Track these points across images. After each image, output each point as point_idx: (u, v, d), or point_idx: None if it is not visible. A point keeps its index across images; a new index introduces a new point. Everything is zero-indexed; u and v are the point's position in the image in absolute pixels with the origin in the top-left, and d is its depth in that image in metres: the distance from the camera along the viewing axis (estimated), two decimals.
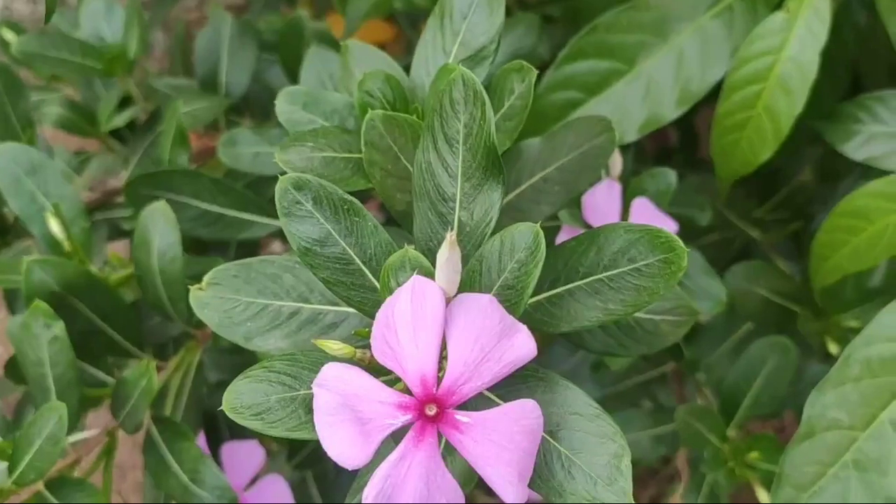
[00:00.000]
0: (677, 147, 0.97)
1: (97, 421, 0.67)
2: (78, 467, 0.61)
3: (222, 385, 0.72)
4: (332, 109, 0.50)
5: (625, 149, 0.65)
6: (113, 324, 0.61)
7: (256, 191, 0.70)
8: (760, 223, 0.85)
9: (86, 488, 0.56)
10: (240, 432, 0.74)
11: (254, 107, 0.88)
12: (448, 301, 0.34)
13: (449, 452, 0.41)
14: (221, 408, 0.67)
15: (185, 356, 0.66)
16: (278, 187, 0.38)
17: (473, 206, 0.40)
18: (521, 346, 0.34)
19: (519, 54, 0.69)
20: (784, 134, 0.59)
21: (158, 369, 0.65)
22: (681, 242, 0.38)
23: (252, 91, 0.84)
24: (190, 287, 0.44)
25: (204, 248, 0.74)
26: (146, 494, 0.67)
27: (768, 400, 0.71)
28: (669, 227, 0.62)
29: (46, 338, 0.56)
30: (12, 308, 0.73)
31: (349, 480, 0.43)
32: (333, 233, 0.38)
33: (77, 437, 0.62)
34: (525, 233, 0.36)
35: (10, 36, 0.75)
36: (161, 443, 0.61)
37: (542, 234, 0.36)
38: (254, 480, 0.70)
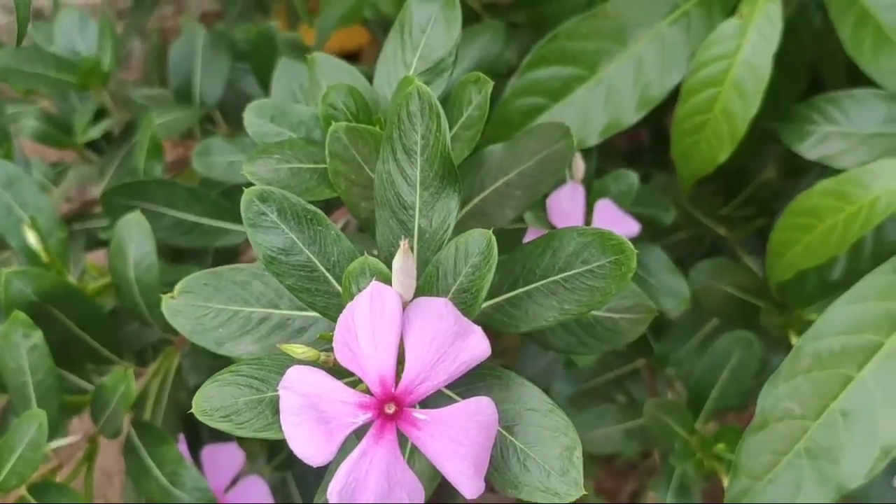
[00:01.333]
0: (648, 147, 0.99)
1: (79, 427, 0.68)
2: (60, 473, 0.62)
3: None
4: (299, 121, 0.52)
5: (587, 152, 0.67)
6: (91, 332, 0.63)
7: (231, 199, 0.72)
8: (727, 220, 0.87)
9: (67, 493, 0.57)
10: (220, 435, 0.75)
11: (228, 115, 0.89)
12: (405, 305, 0.36)
13: (413, 453, 0.43)
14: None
15: (164, 361, 0.68)
16: (244, 199, 0.40)
17: (432, 213, 0.42)
18: (476, 346, 0.35)
19: (486, 60, 0.71)
20: (740, 135, 0.61)
21: (138, 375, 0.67)
22: (630, 245, 0.40)
23: (226, 99, 0.86)
24: (162, 296, 0.46)
25: (182, 255, 0.76)
26: (127, 497, 0.69)
27: (734, 392, 0.73)
28: (632, 227, 0.64)
29: (26, 346, 0.57)
30: None
31: (329, 480, 0.45)
32: (298, 242, 0.40)
33: (59, 443, 0.63)
34: (479, 239, 0.38)
35: None
36: (141, 447, 0.63)
37: (494, 239, 0.37)
38: (234, 482, 0.72)
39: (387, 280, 0.37)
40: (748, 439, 0.50)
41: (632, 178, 0.64)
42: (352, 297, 0.37)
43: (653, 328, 0.82)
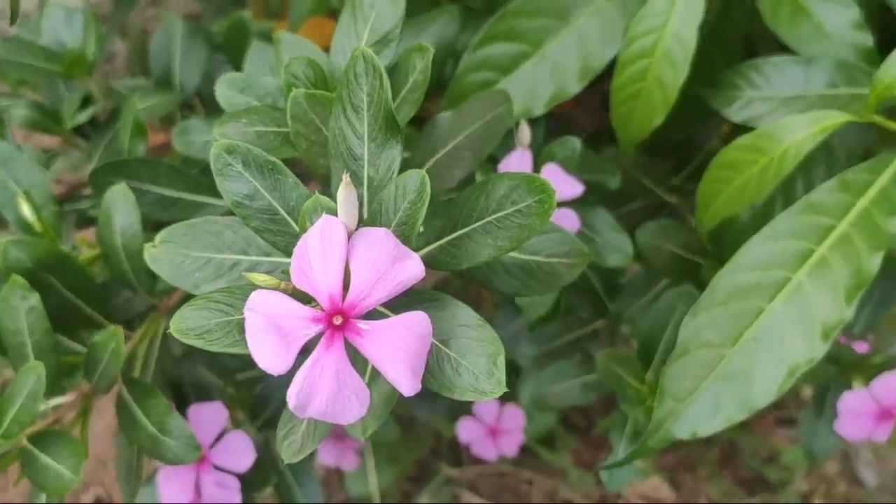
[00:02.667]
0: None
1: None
2: (58, 426, 0.68)
3: (186, 356, 0.80)
4: (266, 92, 0.58)
5: (536, 121, 0.72)
6: (84, 298, 0.68)
7: (209, 176, 0.78)
8: (679, 189, 0.93)
9: (65, 438, 0.63)
10: (205, 396, 0.81)
11: (206, 102, 0.95)
12: (351, 234, 0.42)
13: (373, 379, 0.49)
14: (189, 373, 0.74)
15: (151, 325, 0.73)
16: (212, 152, 0.46)
17: (379, 162, 0.48)
18: (412, 268, 0.41)
19: (444, 42, 0.77)
20: (672, 101, 0.67)
21: (127, 339, 0.72)
22: (551, 185, 0.46)
23: (204, 87, 0.91)
24: (145, 244, 0.51)
25: (163, 227, 0.81)
26: (120, 452, 0.74)
27: None
28: (576, 187, 0.70)
29: (24, 308, 0.63)
30: None
31: None
32: (260, 189, 0.46)
33: (56, 401, 0.68)
34: (414, 178, 0.43)
35: None
36: (131, 401, 0.68)
37: (427, 177, 0.43)
38: (219, 438, 0.77)
39: (334, 212, 0.43)
40: (671, 366, 0.56)
41: (574, 143, 0.70)
42: (306, 231, 0.43)
43: (608, 289, 0.89)
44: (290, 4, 0.91)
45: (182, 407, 0.81)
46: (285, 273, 0.47)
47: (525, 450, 1.38)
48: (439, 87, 0.82)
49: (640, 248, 0.79)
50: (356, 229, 0.42)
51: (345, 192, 0.42)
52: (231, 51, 0.86)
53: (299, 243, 0.42)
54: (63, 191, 0.82)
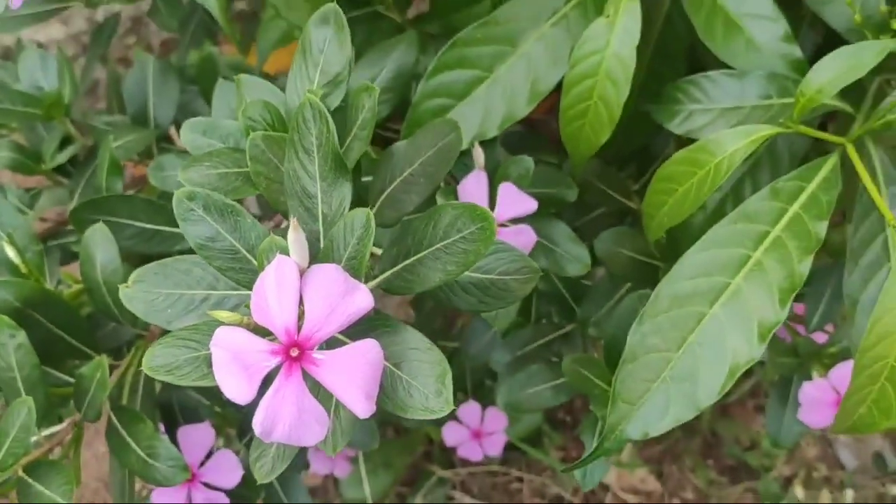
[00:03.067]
0: None
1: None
2: (51, 455, 0.72)
3: None
4: (228, 133, 0.62)
5: (491, 142, 0.76)
6: (70, 331, 0.72)
7: None
8: (640, 194, 0.97)
9: (57, 467, 0.66)
10: (193, 418, 0.85)
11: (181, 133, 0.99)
12: (303, 271, 0.45)
13: (327, 398, 0.52)
14: (177, 396, 0.78)
15: (137, 353, 0.77)
16: (175, 199, 0.49)
17: (331, 199, 0.51)
18: (361, 300, 0.45)
19: (405, 67, 0.80)
20: (616, 118, 0.70)
21: (114, 367, 0.76)
22: (490, 212, 0.50)
23: (179, 121, 0.95)
24: (120, 286, 0.55)
25: (146, 261, 0.85)
26: (112, 474, 0.77)
27: None
28: (531, 204, 0.73)
29: (12, 346, 0.66)
30: None
31: (296, 463, 0.54)
32: (221, 231, 0.50)
33: (49, 430, 0.72)
34: (360, 216, 0.47)
35: None
36: (120, 427, 0.72)
37: (372, 216, 0.47)
38: (208, 457, 0.81)
39: (287, 251, 0.47)
40: (622, 371, 0.60)
41: (528, 162, 0.74)
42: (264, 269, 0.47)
43: (575, 295, 0.93)
44: (258, 37, 0.95)
45: (172, 428, 0.85)
46: (247, 307, 0.51)
47: (514, 449, 1.42)
48: (404, 110, 0.86)
49: (599, 255, 0.83)
50: (308, 266, 0.46)
51: (294, 235, 0.46)
52: (203, 85, 0.90)
53: (257, 282, 0.45)
54: (47, 227, 0.86)
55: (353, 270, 0.47)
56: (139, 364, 0.76)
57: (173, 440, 0.82)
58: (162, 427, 0.85)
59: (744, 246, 0.61)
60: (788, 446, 0.93)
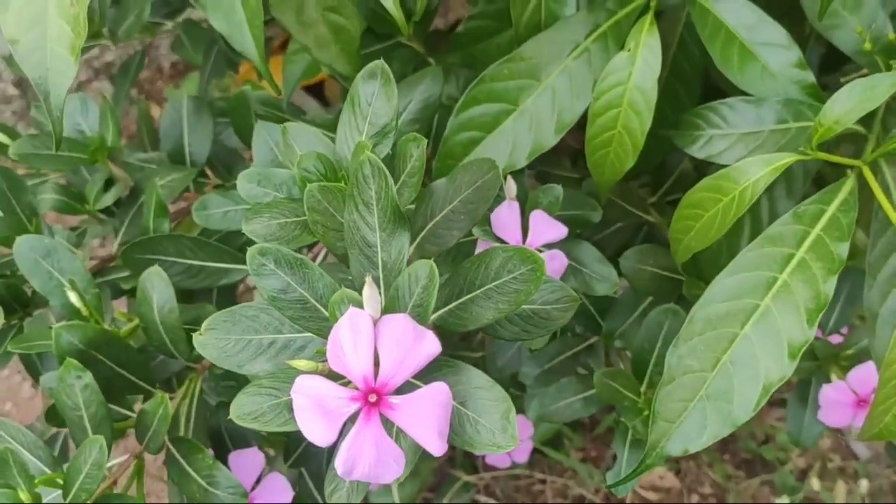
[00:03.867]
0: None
1: (121, 449, 0.81)
2: (115, 486, 0.75)
3: (221, 406, 0.88)
4: (281, 182, 0.66)
5: (519, 173, 0.80)
6: (129, 369, 0.76)
7: (228, 242, 0.85)
8: (657, 207, 1.01)
9: (126, 500, 0.71)
10: (241, 444, 0.89)
11: (215, 166, 1.02)
12: (376, 322, 0.49)
13: (400, 434, 0.56)
14: (225, 422, 0.82)
15: (189, 385, 0.81)
16: (248, 255, 0.53)
17: (390, 248, 0.55)
18: (429, 346, 0.49)
19: (430, 101, 0.84)
20: (640, 146, 0.74)
21: (170, 399, 0.80)
22: (539, 255, 0.53)
23: (212, 153, 0.99)
24: (192, 334, 0.59)
25: (191, 295, 0.89)
26: (171, 497, 0.81)
27: None
28: (561, 230, 0.77)
29: (79, 386, 0.70)
30: (38, 368, 0.87)
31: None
32: (292, 283, 0.53)
33: (112, 462, 0.76)
34: (424, 268, 0.51)
35: (2, 138, 0.89)
36: (179, 458, 0.76)
37: (435, 266, 0.51)
38: (258, 481, 0.85)
39: (358, 303, 0.51)
40: (661, 392, 0.64)
41: (557, 190, 0.78)
42: (337, 320, 0.50)
43: (599, 308, 0.97)
44: (283, 69, 0.98)
45: (221, 452, 0.88)
46: (320, 352, 0.55)
47: (536, 452, 1.46)
48: (435, 140, 0.90)
49: (624, 273, 0.87)
50: (380, 317, 0.50)
51: (369, 291, 0.50)
52: (236, 122, 0.93)
53: (332, 333, 0.49)
54: (94, 265, 0.89)
55: (420, 318, 0.51)
56: (193, 395, 0.81)
57: (223, 464, 0.85)
58: (211, 452, 0.88)
59: (770, 269, 0.65)
60: (810, 446, 0.97)
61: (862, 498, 1.43)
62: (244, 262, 0.81)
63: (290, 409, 0.49)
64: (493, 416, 0.51)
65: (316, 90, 1.61)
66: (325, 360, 0.50)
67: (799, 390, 0.98)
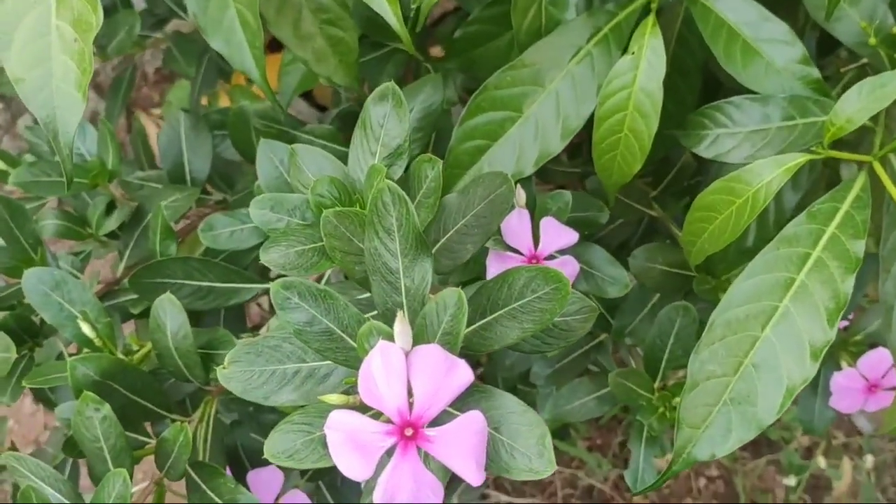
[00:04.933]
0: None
1: (139, 473, 0.81)
2: None
3: (235, 424, 0.87)
4: (294, 206, 0.65)
5: (527, 180, 0.79)
6: (144, 396, 0.75)
7: (235, 261, 0.85)
8: (659, 201, 1.01)
9: None
10: (258, 461, 0.89)
11: (215, 179, 1.02)
12: (407, 354, 0.49)
13: (427, 458, 0.56)
14: (241, 440, 0.82)
15: (205, 408, 0.81)
16: (272, 290, 0.53)
17: (413, 273, 0.55)
18: (462, 375, 0.48)
19: (431, 109, 0.84)
20: (647, 149, 0.74)
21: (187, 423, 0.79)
22: (563, 274, 0.53)
23: (212, 167, 0.98)
24: (207, 359, 0.58)
25: (199, 315, 0.88)
26: None
27: (682, 353, 0.86)
28: (572, 236, 0.77)
29: (98, 419, 0.69)
30: (50, 397, 0.87)
31: (354, 484, 0.58)
32: (317, 315, 0.53)
33: (133, 489, 0.76)
34: (452, 296, 0.51)
35: (2, 165, 0.88)
36: (200, 483, 0.75)
37: (463, 295, 0.50)
38: (277, 498, 0.85)
39: (388, 335, 0.50)
40: (685, 398, 0.64)
41: (566, 196, 0.78)
42: (366, 352, 0.50)
43: (608, 306, 0.97)
44: (279, 80, 0.98)
45: (239, 470, 0.88)
46: (348, 382, 0.54)
47: None
48: (436, 145, 0.89)
49: (633, 272, 0.87)
50: (410, 349, 0.50)
51: (400, 326, 0.49)
52: (236, 137, 0.92)
53: (363, 367, 0.49)
54: (100, 288, 0.89)
55: (450, 346, 0.51)
56: (209, 418, 0.81)
57: (242, 482, 0.85)
58: (228, 470, 0.88)
59: (787, 270, 0.65)
60: (822, 433, 0.98)
61: (868, 473, 1.45)
62: (253, 282, 0.82)
63: (325, 445, 0.49)
64: (529, 440, 0.50)
65: (305, 93, 1.60)
66: (355, 392, 0.50)
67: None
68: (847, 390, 0.92)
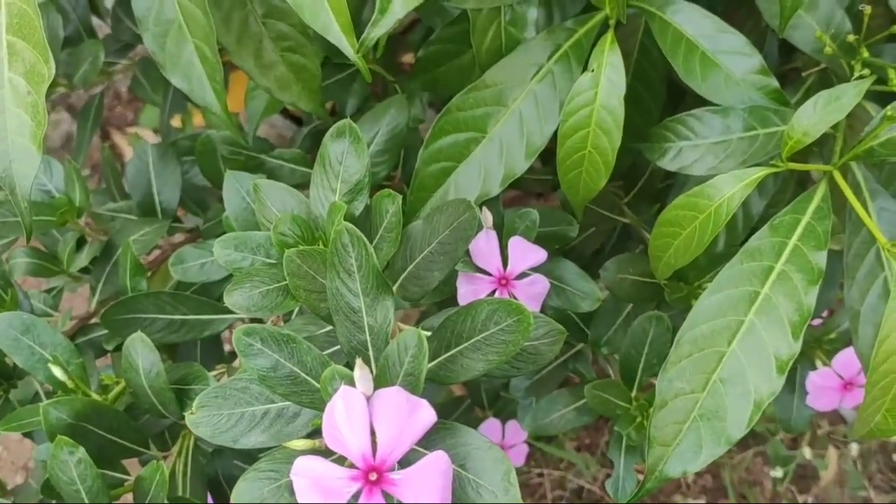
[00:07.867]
0: None
1: None
2: None
3: (217, 453, 0.87)
4: (258, 244, 0.65)
5: (494, 200, 0.80)
6: (121, 435, 0.75)
7: (207, 292, 0.85)
8: (631, 207, 1.01)
9: None
10: None
11: (187, 203, 1.02)
12: (369, 398, 0.49)
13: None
14: (222, 468, 0.82)
15: (184, 441, 0.81)
16: (235, 336, 0.53)
17: (375, 312, 0.55)
18: (425, 416, 0.49)
19: (397, 130, 0.84)
20: (612, 164, 0.74)
21: (165, 458, 0.79)
22: (525, 307, 0.54)
23: (182, 192, 0.98)
24: (185, 413, 0.58)
25: (175, 347, 0.88)
26: None
27: (657, 362, 0.87)
28: (541, 254, 0.77)
29: (73, 462, 0.69)
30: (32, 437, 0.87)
31: None
32: (280, 359, 0.53)
33: None
34: (412, 336, 0.51)
35: None
36: None
37: (423, 335, 0.51)
38: None
39: (350, 380, 0.51)
40: (655, 416, 0.64)
41: (533, 214, 0.78)
42: (329, 395, 0.50)
43: (584, 316, 0.97)
44: (245, 104, 0.97)
45: (221, 498, 0.88)
46: (315, 424, 0.55)
47: (531, 447, 1.47)
48: (405, 162, 0.90)
49: (605, 284, 0.87)
50: (373, 392, 0.50)
51: (360, 372, 0.50)
52: (203, 165, 0.92)
53: (326, 413, 0.49)
54: (73, 324, 0.89)
55: (412, 387, 0.51)
56: (187, 450, 0.81)
57: None
58: (210, 498, 0.88)
59: (751, 283, 0.65)
60: (801, 431, 0.98)
61: (854, 461, 1.46)
62: (225, 312, 0.82)
63: (292, 491, 0.49)
64: (495, 477, 0.51)
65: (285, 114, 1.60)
66: (321, 436, 0.50)
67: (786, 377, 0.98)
68: (823, 389, 0.93)
